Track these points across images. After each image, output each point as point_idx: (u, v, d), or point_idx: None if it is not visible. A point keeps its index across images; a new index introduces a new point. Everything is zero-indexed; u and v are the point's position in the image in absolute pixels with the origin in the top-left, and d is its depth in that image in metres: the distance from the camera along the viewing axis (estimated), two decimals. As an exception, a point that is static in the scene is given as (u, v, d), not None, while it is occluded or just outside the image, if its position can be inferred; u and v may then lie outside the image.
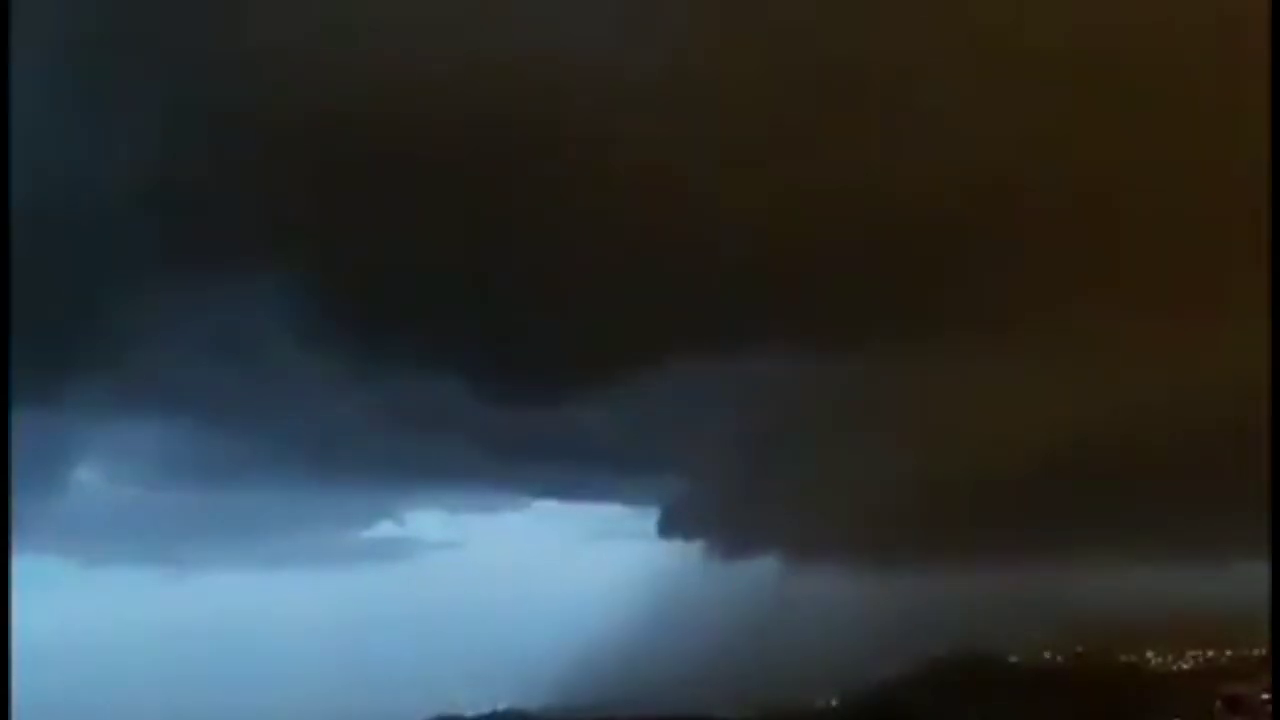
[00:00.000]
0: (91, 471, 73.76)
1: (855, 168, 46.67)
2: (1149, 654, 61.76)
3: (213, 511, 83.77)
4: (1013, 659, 62.22)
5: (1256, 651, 55.44)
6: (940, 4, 45.36)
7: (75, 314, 50.28)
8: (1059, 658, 62.56)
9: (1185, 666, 60.78)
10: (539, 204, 49.03)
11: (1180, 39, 44.96)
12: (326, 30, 44.44)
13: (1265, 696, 51.07)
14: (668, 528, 71.03)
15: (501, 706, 65.51)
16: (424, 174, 47.80)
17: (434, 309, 55.39)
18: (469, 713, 65.48)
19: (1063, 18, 45.15)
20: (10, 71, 33.92)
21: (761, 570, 67.72)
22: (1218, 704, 54.74)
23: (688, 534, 70.03)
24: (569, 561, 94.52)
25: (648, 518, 72.69)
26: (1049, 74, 46.27)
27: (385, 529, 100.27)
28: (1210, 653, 60.62)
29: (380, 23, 44.77)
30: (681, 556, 69.71)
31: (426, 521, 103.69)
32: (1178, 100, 46.78)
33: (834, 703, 60.94)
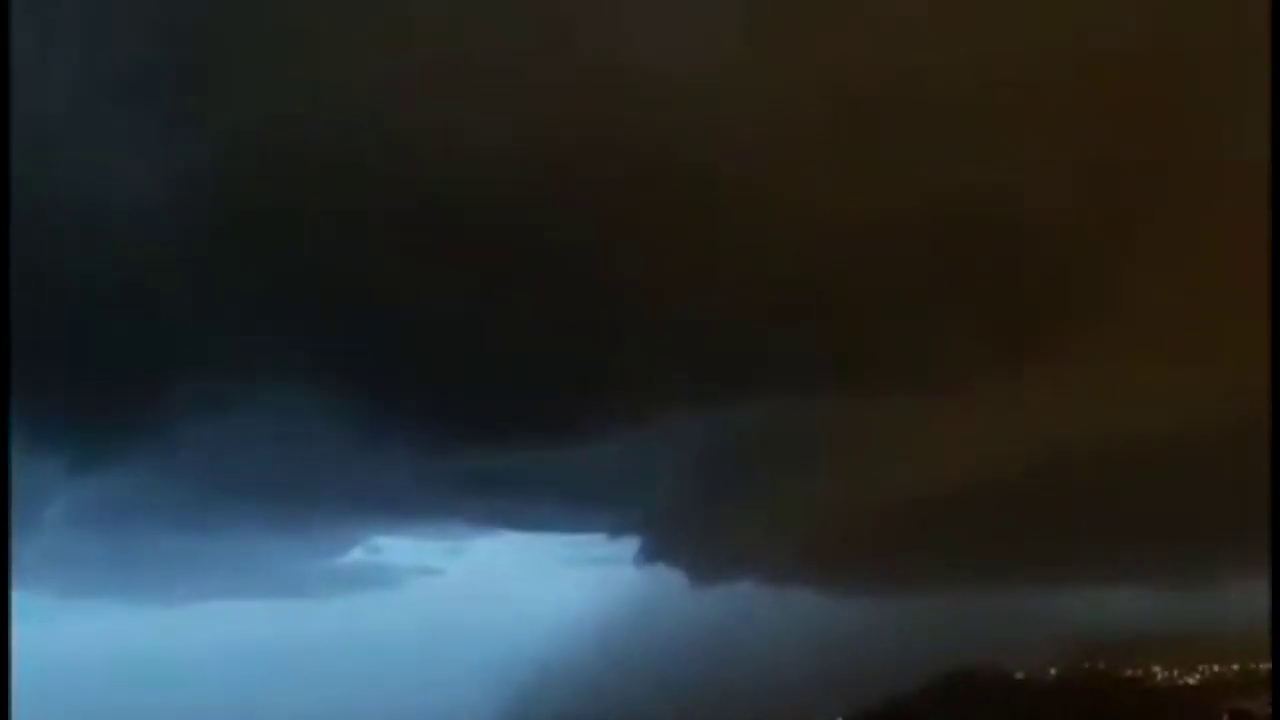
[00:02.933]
0: (69, 511, 73.75)
1: (846, 196, 46.80)
2: (1156, 668, 61.68)
3: (192, 548, 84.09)
4: (1019, 675, 62.08)
5: (1263, 666, 55.41)
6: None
7: (68, 358, 50.52)
8: (1066, 673, 62.43)
9: (1192, 681, 60.67)
10: (523, 246, 49.12)
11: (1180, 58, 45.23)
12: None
13: (1270, 710, 50.98)
14: (652, 554, 71.28)
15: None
16: (396, 211, 47.98)
17: (411, 348, 55.44)
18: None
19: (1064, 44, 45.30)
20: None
21: (753, 593, 68.01)
22: (1224, 718, 54.69)
23: (672, 559, 70.35)
24: (550, 587, 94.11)
25: (629, 545, 72.94)
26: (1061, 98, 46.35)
27: (366, 561, 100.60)
28: (1217, 667, 60.53)
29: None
30: (669, 580, 70.03)
31: (404, 553, 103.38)
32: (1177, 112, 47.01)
33: (839, 720, 60.97)
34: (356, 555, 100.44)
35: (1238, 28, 42.02)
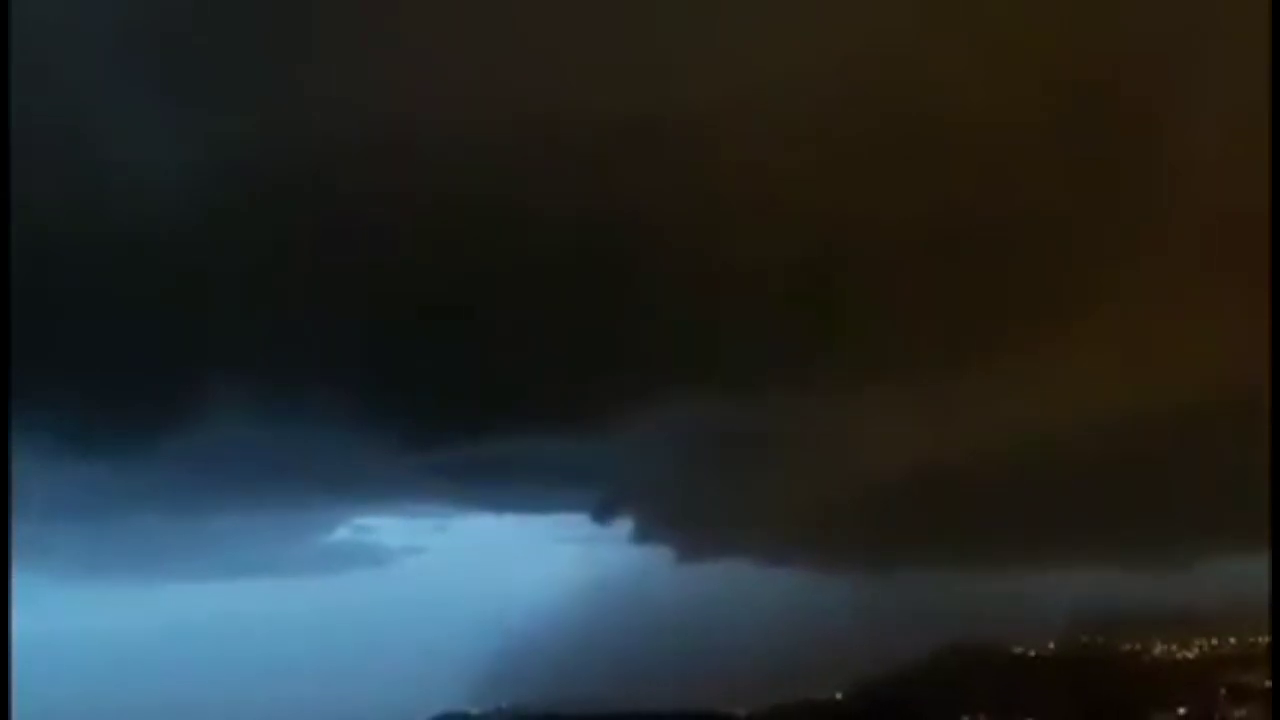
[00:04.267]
0: (59, 494, 73.90)
1: (835, 194, 46.75)
2: (1154, 643, 61.70)
3: (180, 529, 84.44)
4: (1016, 649, 62.15)
5: (1262, 640, 55.48)
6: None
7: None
8: (1064, 648, 62.46)
9: (1190, 655, 60.70)
10: (514, 233, 49.02)
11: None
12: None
13: (1269, 684, 51.05)
14: (640, 532, 71.45)
15: (505, 704, 65.66)
16: (385, 199, 47.82)
17: (401, 333, 55.43)
18: (474, 710, 65.69)
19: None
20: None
21: (743, 572, 68.28)
22: (1222, 692, 54.74)
23: (661, 537, 70.63)
24: (537, 566, 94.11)
25: (617, 524, 73.00)
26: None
27: (353, 540, 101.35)
28: (1215, 641, 60.54)
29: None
30: (658, 558, 70.46)
31: (391, 532, 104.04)
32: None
33: (838, 696, 60.97)
34: (344, 534, 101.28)
35: (1235, 28, 41.74)
